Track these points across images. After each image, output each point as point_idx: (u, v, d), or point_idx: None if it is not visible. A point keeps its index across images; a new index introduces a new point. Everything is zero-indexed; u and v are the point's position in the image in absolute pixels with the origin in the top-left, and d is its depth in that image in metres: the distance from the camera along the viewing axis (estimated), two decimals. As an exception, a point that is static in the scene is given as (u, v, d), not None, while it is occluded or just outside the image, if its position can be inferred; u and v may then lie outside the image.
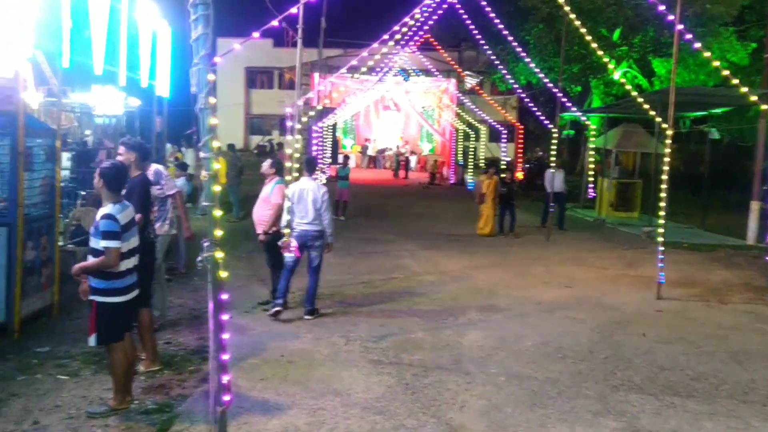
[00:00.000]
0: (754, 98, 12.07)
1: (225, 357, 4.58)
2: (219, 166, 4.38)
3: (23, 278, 6.91)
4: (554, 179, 16.51)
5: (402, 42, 21.11)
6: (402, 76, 31.76)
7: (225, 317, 4.59)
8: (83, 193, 11.21)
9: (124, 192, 5.76)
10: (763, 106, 11.99)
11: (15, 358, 6.34)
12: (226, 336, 4.61)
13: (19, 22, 6.20)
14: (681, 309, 9.57)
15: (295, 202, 8.26)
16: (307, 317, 8.25)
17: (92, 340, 5.22)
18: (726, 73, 12.10)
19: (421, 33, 20.81)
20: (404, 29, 16.09)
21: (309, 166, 8.80)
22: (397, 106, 39.21)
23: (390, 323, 8.22)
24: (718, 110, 20.58)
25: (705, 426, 5.60)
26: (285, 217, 8.50)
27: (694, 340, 8.06)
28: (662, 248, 10.41)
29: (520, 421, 5.55)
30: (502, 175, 16.48)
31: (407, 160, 35.75)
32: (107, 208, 5.18)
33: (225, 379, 4.53)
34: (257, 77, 46.33)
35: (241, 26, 22.80)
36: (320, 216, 8.26)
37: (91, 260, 5.17)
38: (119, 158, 6.25)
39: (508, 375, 6.58)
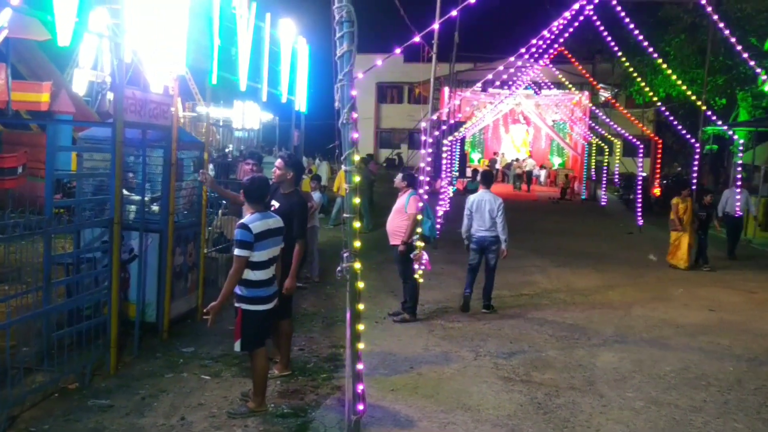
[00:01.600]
0: None
1: (360, 366, 4.68)
2: (359, 179, 4.48)
3: (172, 282, 7.36)
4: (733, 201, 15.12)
5: (536, 55, 20.80)
6: (533, 90, 31.34)
7: (360, 327, 4.68)
8: (224, 202, 11.80)
9: (275, 207, 6.00)
10: None
11: (163, 357, 6.75)
12: (361, 346, 4.71)
13: (172, 40, 6.62)
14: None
15: (473, 210, 9.33)
16: (484, 311, 9.30)
17: (237, 346, 5.43)
18: None
19: (555, 45, 20.43)
20: (538, 42, 15.87)
21: (486, 179, 9.88)
22: (527, 120, 38.68)
23: (520, 340, 8.09)
24: None
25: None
26: (418, 229, 8.63)
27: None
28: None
29: (660, 449, 5.30)
30: (705, 198, 14.25)
31: (528, 174, 35.15)
32: (245, 218, 5.42)
33: (360, 388, 4.62)
34: (387, 92, 47.12)
35: (372, 42, 23.26)
36: (495, 224, 9.19)
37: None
38: (276, 172, 6.40)
39: (647, 400, 6.30)
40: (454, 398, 6.11)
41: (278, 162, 6.44)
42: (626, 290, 11.31)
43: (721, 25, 13.62)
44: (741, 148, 17.27)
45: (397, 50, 5.98)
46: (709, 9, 13.52)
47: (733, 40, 13.56)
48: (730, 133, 20.56)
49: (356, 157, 4.36)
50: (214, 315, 5.19)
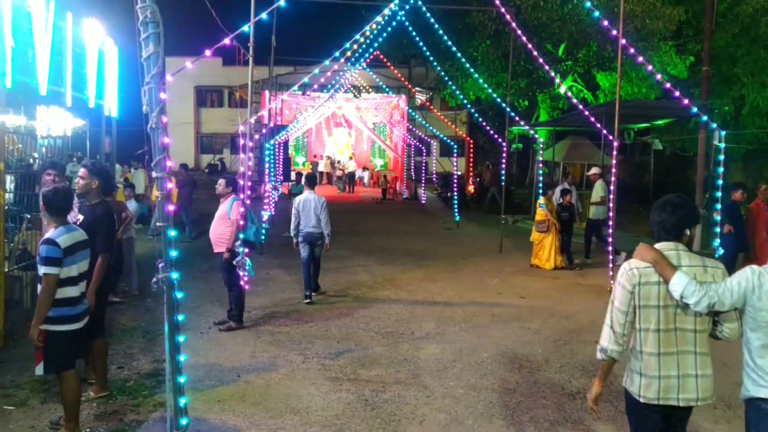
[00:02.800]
0: (694, 110, 12.46)
1: (181, 379, 4.52)
2: (172, 185, 4.33)
3: (-32, 305, 6.70)
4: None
5: (352, 59, 21.23)
6: (352, 93, 31.96)
7: (181, 339, 4.53)
8: (28, 216, 10.92)
9: (79, 220, 5.65)
10: (704, 117, 12.38)
11: (-40, 389, 6.14)
12: (182, 358, 4.55)
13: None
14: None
15: (300, 210, 10.27)
16: (314, 294, 10.35)
17: (39, 369, 5.04)
18: (668, 85, 12.47)
19: (371, 50, 20.97)
20: (354, 46, 16.20)
21: (309, 181, 10.84)
22: (349, 123, 39.35)
23: (347, 339, 8.22)
24: (661, 122, 21.16)
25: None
26: (240, 235, 8.50)
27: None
28: (612, 256, 10.64)
29: (479, 432, 5.61)
30: (562, 199, 13.86)
31: (351, 176, 35.89)
32: (49, 233, 5.05)
33: (182, 402, 4.47)
34: (207, 96, 45.89)
35: (190, 44, 22.60)
36: (320, 220, 10.20)
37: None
38: (80, 182, 6.04)
39: (467, 387, 6.64)
40: (282, 403, 6.08)
41: (81, 171, 6.07)
42: (446, 283, 11.84)
43: (521, 32, 14.63)
44: (542, 146, 18.66)
45: (207, 52, 5.83)
46: (510, 18, 14.49)
47: (531, 46, 14.61)
48: (533, 132, 22.19)
49: (168, 163, 4.21)
50: (36, 342, 4.89)
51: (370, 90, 32.52)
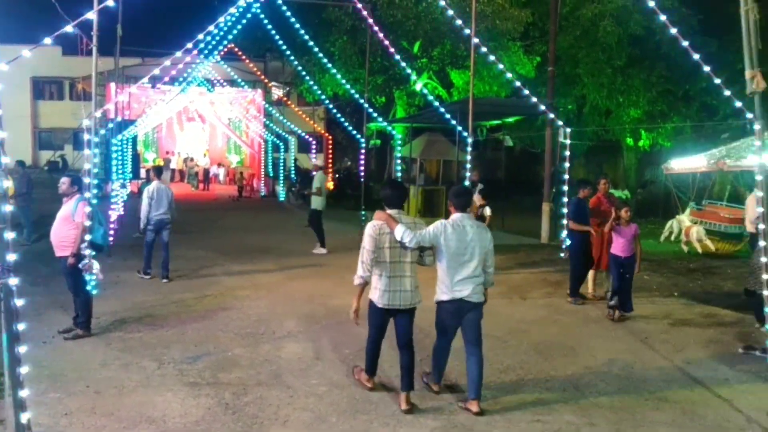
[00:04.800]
0: (542, 107, 13.11)
1: (23, 393, 4.15)
2: (9, 184, 3.94)
3: None
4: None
5: (206, 51, 20.58)
6: (206, 87, 31.05)
7: (22, 349, 4.16)
8: None
9: None
10: (550, 115, 13.05)
11: None
12: (24, 370, 4.18)
13: None
14: (487, 307, 10.04)
15: (154, 198, 11.42)
16: (164, 281, 11.24)
17: None
18: (518, 84, 13.05)
19: (224, 42, 20.43)
20: (207, 38, 15.68)
21: (157, 172, 12.64)
22: (202, 118, 38.24)
23: (205, 342, 7.91)
24: (512, 119, 22.14)
25: (515, 415, 5.95)
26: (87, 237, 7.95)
27: (501, 335, 8.55)
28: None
29: (344, 429, 5.56)
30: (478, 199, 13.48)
31: (206, 172, 35.01)
32: None
33: (24, 418, 4.10)
34: (45, 87, 42.92)
35: (26, 32, 21.01)
36: (170, 208, 11.65)
37: None
38: None
39: (330, 384, 6.58)
40: (137, 412, 5.74)
41: None
42: (307, 281, 11.73)
43: (377, 29, 14.76)
44: (399, 142, 18.97)
45: (47, 40, 5.38)
46: (366, 14, 14.57)
47: (387, 43, 14.77)
48: (390, 128, 22.51)
49: (4, 159, 3.82)
50: None
51: (225, 84, 31.76)
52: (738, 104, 6.98)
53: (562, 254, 13.67)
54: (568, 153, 13.75)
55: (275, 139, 30.87)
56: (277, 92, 33.80)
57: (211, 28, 13.12)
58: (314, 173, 15.52)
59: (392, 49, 15.11)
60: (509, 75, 13.12)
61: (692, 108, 23.43)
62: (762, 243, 6.11)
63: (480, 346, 6.12)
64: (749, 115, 6.22)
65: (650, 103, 22.82)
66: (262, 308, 9.67)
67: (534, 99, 12.80)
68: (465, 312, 6.03)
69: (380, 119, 21.28)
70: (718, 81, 6.98)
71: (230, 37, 18.89)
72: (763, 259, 6.00)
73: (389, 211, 5.99)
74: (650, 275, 12.63)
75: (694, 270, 13.62)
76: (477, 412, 5.89)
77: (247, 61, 27.25)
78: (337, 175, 30.90)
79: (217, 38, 18.40)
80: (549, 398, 6.37)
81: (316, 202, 15.00)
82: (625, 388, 6.73)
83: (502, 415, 5.93)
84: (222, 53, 23.12)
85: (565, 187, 13.92)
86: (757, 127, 6.21)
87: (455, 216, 6.04)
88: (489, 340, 8.25)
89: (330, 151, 33.27)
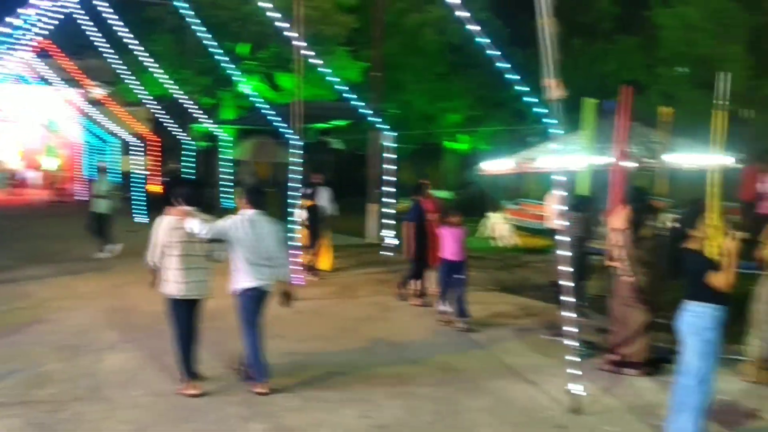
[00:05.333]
0: (366, 111, 13.48)
1: None
2: None
3: None
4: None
5: (15, 46, 19.13)
6: (23, 82, 28.83)
7: None
8: None
9: None
10: (373, 118, 13.44)
11: None
12: None
13: None
14: (317, 308, 10.25)
15: None
16: None
17: None
18: (344, 88, 13.31)
19: (39, 38, 19.10)
20: (16, 32, 14.61)
21: None
22: (13, 117, 35.36)
23: (17, 358, 7.41)
24: (340, 123, 22.51)
25: (343, 412, 6.12)
26: None
27: (331, 335, 8.73)
28: (295, 252, 11.06)
29: (167, 439, 5.47)
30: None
31: (13, 175, 32.62)
32: None
33: None
34: None
35: None
36: None
37: None
38: None
39: (153, 394, 6.43)
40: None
41: None
42: (131, 288, 11.24)
43: (203, 29, 14.45)
44: (229, 144, 18.69)
45: None
46: (188, 13, 14.22)
47: (212, 44, 14.51)
48: (217, 130, 22.12)
49: None
50: None
51: (39, 81, 29.59)
52: (539, 110, 7.56)
53: (385, 252, 14.18)
54: (392, 156, 14.25)
55: (96, 141, 29.23)
56: (98, 92, 31.95)
57: (23, 23, 12.25)
58: (100, 176, 15.33)
59: (218, 50, 14.86)
60: (335, 79, 13.35)
61: (505, 113, 25.04)
62: (559, 238, 6.69)
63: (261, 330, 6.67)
64: (549, 121, 6.75)
65: (469, 109, 24.12)
66: (81, 319, 9.20)
67: (360, 103, 13.12)
68: (262, 300, 6.55)
69: (208, 121, 20.82)
70: (522, 88, 7.54)
71: (46, 32, 17.71)
72: (560, 253, 6.59)
73: (184, 208, 6.32)
74: (468, 270, 13.36)
75: (508, 265, 14.59)
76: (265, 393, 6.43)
77: (64, 58, 25.51)
78: (165, 179, 29.72)
79: (27, 32, 17.18)
80: (376, 394, 6.61)
81: (101, 206, 14.62)
82: (446, 379, 7.14)
83: (329, 414, 6.08)
84: (36, 49, 21.59)
85: (392, 189, 14.42)
86: (555, 131, 6.77)
87: (249, 212, 6.53)
88: (319, 340, 8.46)
89: (157, 154, 32.02)
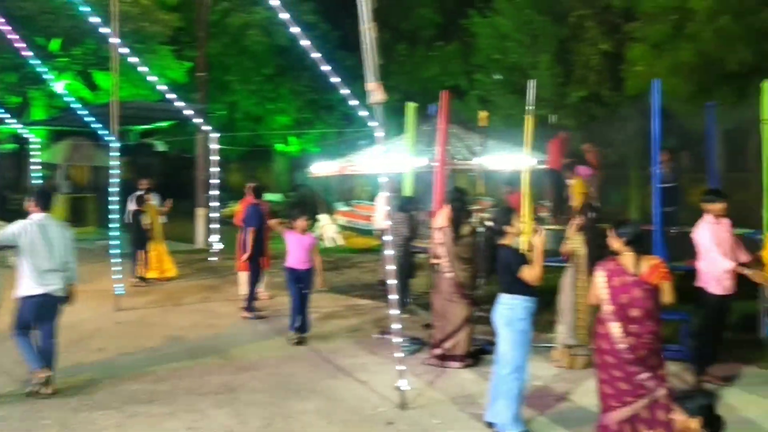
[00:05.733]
0: (190, 112, 13.08)
1: None
2: None
3: None
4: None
5: None
6: None
7: None
8: None
9: None
10: (198, 120, 13.09)
11: None
12: None
13: None
14: (141, 317, 9.82)
15: None
16: None
17: None
18: (164, 88, 12.81)
19: None
20: None
21: None
22: None
23: None
24: (164, 124, 21.65)
25: (167, 426, 5.88)
26: None
27: (154, 345, 8.39)
28: (118, 260, 10.52)
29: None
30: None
31: None
32: None
33: None
34: None
35: None
36: None
37: None
38: None
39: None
40: None
41: None
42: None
43: (5, 21, 13.30)
44: (40, 147, 17.37)
45: None
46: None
47: (18, 38, 13.40)
48: (25, 132, 20.48)
49: None
50: None
51: None
52: (363, 113, 7.67)
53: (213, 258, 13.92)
54: (218, 158, 13.94)
55: None
56: None
57: None
58: None
59: (25, 45, 13.73)
60: (154, 79, 12.83)
61: (334, 116, 25.34)
62: (386, 238, 6.86)
63: (55, 336, 6.61)
64: (372, 123, 6.89)
65: (298, 111, 24.14)
66: None
67: (184, 104, 12.70)
68: (49, 305, 6.46)
69: (14, 122, 19.16)
70: (346, 91, 7.62)
71: None
72: (386, 252, 6.76)
73: None
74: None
75: (338, 266, 14.75)
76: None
77: None
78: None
79: None
80: (203, 403, 6.42)
81: None
82: (276, 384, 7.06)
83: (153, 428, 5.84)
84: None
85: (216, 192, 14.14)
86: (378, 134, 6.92)
87: (37, 216, 6.45)
88: (143, 351, 8.09)
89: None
